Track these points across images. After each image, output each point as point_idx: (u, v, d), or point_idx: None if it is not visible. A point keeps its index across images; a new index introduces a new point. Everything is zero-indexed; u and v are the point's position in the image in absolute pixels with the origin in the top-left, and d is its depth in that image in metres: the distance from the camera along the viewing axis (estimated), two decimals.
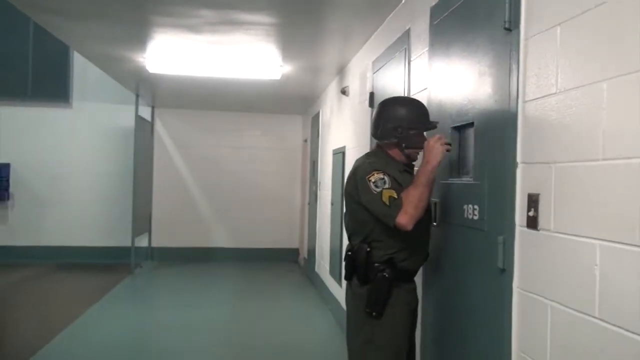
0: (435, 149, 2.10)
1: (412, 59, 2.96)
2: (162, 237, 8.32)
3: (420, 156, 2.25)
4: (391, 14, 3.44)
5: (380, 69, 3.62)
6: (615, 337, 1.29)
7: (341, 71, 5.22)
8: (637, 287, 1.22)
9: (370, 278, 2.18)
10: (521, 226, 1.74)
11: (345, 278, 2.33)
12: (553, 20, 1.59)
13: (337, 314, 5.07)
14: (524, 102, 1.74)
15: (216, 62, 4.88)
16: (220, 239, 8.47)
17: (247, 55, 4.71)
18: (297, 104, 7.83)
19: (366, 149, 3.95)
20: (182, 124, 8.46)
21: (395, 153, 2.25)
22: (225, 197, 8.49)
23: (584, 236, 1.41)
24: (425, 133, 2.26)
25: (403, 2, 3.20)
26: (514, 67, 1.79)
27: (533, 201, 1.67)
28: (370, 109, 3.84)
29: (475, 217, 2.04)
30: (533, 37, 1.70)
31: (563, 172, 1.52)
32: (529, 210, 1.69)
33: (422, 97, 2.68)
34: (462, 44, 2.22)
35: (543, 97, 1.63)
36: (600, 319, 1.34)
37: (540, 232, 1.63)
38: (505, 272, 1.80)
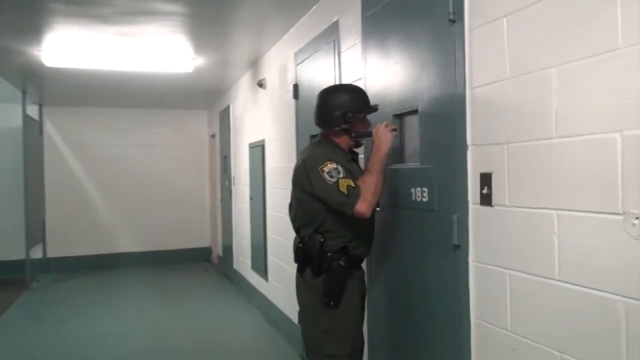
0: (384, 135, 2.17)
1: (342, 50, 3.03)
2: (58, 246, 7.68)
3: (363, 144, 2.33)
4: (314, 7, 3.48)
5: (304, 60, 3.65)
6: (576, 295, 1.45)
7: (255, 64, 5.17)
8: (595, 247, 1.39)
9: (324, 268, 2.20)
10: (474, 204, 1.87)
11: (298, 270, 2.33)
12: (498, 13, 1.73)
13: (264, 309, 5.06)
14: (472, 88, 1.87)
15: (126, 55, 4.59)
16: (127, 244, 8.00)
17: (159, 48, 4.49)
18: (203, 99, 7.61)
19: (291, 141, 3.98)
20: (78, 123, 7.83)
21: (342, 141, 2.29)
22: (130, 198, 8.03)
23: (542, 207, 1.56)
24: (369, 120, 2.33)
25: None
26: (459, 56, 1.91)
27: (486, 180, 1.81)
28: (294, 100, 3.87)
29: (425, 199, 2.15)
30: (478, 28, 1.83)
31: (517, 152, 1.66)
32: (482, 189, 1.82)
33: None
34: (401, 35, 2.32)
35: (492, 83, 1.77)
36: (561, 281, 1.50)
37: (495, 207, 1.77)
38: (460, 248, 1.93)
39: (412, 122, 2.33)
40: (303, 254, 2.27)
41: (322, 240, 2.21)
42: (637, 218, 1.26)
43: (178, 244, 8.28)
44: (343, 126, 2.24)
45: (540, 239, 1.57)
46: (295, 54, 3.85)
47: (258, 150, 5.08)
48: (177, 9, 3.54)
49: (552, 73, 1.51)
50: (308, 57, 3.57)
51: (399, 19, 2.34)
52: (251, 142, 5.46)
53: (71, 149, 7.83)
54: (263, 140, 4.93)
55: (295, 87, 3.84)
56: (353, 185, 2.10)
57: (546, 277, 1.55)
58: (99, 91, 6.48)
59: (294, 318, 4.07)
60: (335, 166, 2.13)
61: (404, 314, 2.35)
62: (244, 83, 5.76)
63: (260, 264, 5.16)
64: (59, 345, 4.42)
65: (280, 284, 4.52)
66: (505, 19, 1.70)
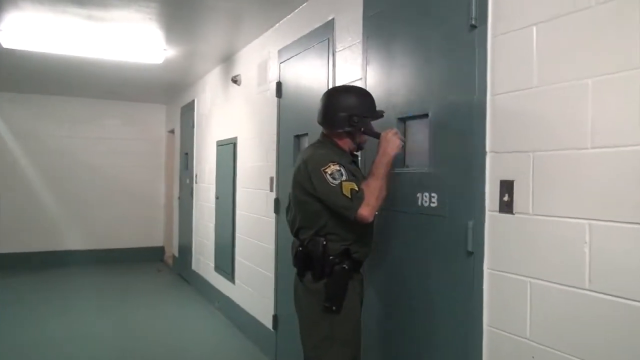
0: (393, 140, 2.13)
1: (337, 49, 2.97)
2: (2, 242, 7.16)
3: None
4: (304, 4, 3.40)
5: (290, 58, 3.56)
6: (608, 305, 1.46)
7: (229, 59, 5.01)
8: (631, 258, 1.40)
9: (325, 272, 2.14)
10: (492, 211, 1.87)
11: (298, 274, 2.25)
12: (526, 21, 1.73)
13: (228, 312, 4.91)
14: (494, 95, 1.86)
15: (94, 41, 4.32)
16: (74, 241, 7.57)
17: (130, 36, 4.25)
18: (163, 92, 7.32)
19: (270, 140, 3.88)
20: (25, 111, 7.34)
21: (344, 143, 2.23)
22: (79, 193, 7.60)
23: (572, 217, 1.56)
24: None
25: None
26: (480, 62, 1.90)
27: (507, 187, 1.80)
28: (277, 99, 3.77)
29: (434, 205, 2.13)
30: (503, 35, 1.83)
31: (544, 160, 1.67)
32: (502, 196, 1.82)
33: None
34: (411, 38, 2.29)
35: (516, 90, 1.77)
36: (592, 290, 1.51)
37: (517, 215, 1.76)
38: (473, 255, 1.92)
39: (417, 127, 2.30)
40: (304, 258, 2.19)
41: (324, 243, 2.14)
42: None
43: (129, 242, 7.94)
44: (347, 129, 2.18)
45: (568, 249, 1.58)
46: (280, 51, 3.76)
47: (228, 148, 4.93)
48: None
49: (588, 84, 1.53)
50: (295, 55, 3.49)
51: (410, 21, 2.31)
52: (220, 139, 5.29)
53: (17, 138, 7.31)
54: (235, 138, 4.78)
55: (279, 85, 3.74)
56: (357, 189, 2.05)
57: (575, 287, 1.56)
58: (54, 78, 6.07)
59: (265, 321, 3.98)
60: (338, 168, 2.07)
61: (403, 317, 2.31)
62: (213, 78, 5.58)
63: (226, 266, 5.00)
64: (6, 354, 4.07)
65: (249, 286, 4.39)
66: (534, 28, 1.70)
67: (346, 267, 2.13)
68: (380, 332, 2.47)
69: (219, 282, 5.28)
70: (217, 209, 5.34)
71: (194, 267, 6.31)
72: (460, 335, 1.99)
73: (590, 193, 1.52)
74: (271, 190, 3.91)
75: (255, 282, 4.26)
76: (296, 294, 2.29)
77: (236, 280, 4.74)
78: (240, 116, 4.68)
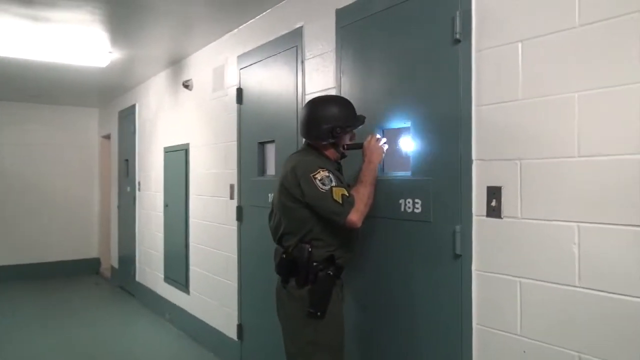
0: (376, 148, 2.20)
1: (306, 57, 2.99)
2: None
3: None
4: (269, 10, 3.39)
5: (252, 64, 3.53)
6: (598, 300, 1.60)
7: (178, 62, 4.87)
8: (619, 256, 1.55)
9: (310, 278, 2.16)
10: (479, 215, 1.97)
11: (282, 281, 2.24)
12: (513, 37, 1.85)
13: (182, 324, 4.76)
14: (478, 106, 1.97)
15: (35, 43, 4.04)
16: (2, 256, 7.00)
17: (74, 37, 4.02)
18: (96, 96, 6.97)
19: (230, 146, 3.83)
20: None
21: (330, 153, 2.27)
22: (4, 204, 7.04)
23: (562, 220, 1.69)
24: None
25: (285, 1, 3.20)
26: (464, 74, 2.01)
27: (494, 193, 1.92)
28: (237, 105, 3.73)
29: (417, 210, 2.22)
30: (488, 50, 1.94)
31: (531, 167, 1.79)
32: (489, 202, 1.93)
33: None
34: (392, 50, 2.36)
35: (502, 102, 1.88)
36: (582, 287, 1.64)
37: (505, 219, 1.88)
38: (461, 257, 2.02)
39: (397, 135, 2.38)
40: (288, 265, 2.20)
41: (309, 249, 2.16)
42: None
43: (60, 255, 7.48)
44: (330, 141, 2.21)
45: (559, 249, 1.70)
46: (240, 57, 3.72)
47: (179, 154, 4.79)
48: None
49: (575, 98, 1.66)
50: (258, 62, 3.47)
51: (389, 32, 2.38)
52: (168, 145, 5.13)
53: None
54: (187, 145, 4.66)
55: (239, 91, 3.70)
56: (347, 194, 2.09)
57: (566, 284, 1.69)
58: None
59: (227, 331, 3.92)
60: (327, 174, 2.11)
61: (387, 319, 2.38)
62: (159, 82, 5.39)
63: (178, 276, 4.85)
64: None
65: (208, 297, 4.30)
66: (520, 44, 1.83)
67: (331, 273, 2.17)
68: (366, 335, 2.52)
69: (169, 293, 5.10)
70: (167, 217, 5.17)
71: (138, 278, 6.06)
72: (449, 334, 2.08)
73: (579, 197, 1.65)
74: (231, 197, 3.86)
75: (215, 291, 4.17)
76: (279, 301, 2.29)
77: (191, 291, 4.61)
78: (192, 122, 4.56)
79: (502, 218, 1.89)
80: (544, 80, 1.75)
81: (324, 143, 2.24)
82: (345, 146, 2.27)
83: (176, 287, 4.93)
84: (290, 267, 2.19)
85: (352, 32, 2.62)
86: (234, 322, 3.80)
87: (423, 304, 2.20)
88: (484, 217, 1.95)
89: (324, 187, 2.09)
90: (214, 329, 4.15)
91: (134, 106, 6.17)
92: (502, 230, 1.89)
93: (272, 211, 2.36)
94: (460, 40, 2.02)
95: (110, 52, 4.49)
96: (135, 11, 3.48)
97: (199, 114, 4.44)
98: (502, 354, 1.90)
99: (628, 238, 1.53)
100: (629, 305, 1.53)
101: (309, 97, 2.96)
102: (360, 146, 2.26)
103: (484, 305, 1.97)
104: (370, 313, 2.49)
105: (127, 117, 6.40)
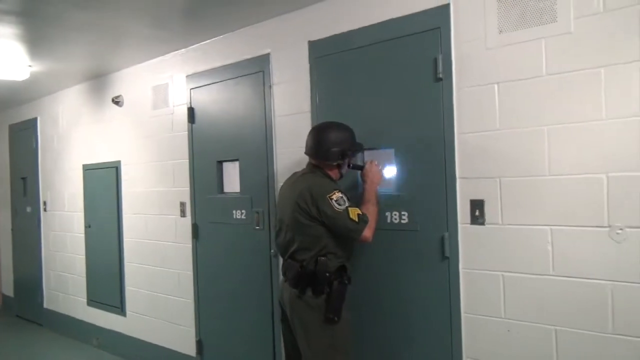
0: (376, 172, 2.54)
1: (274, 82, 3.21)
2: None
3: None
4: (225, 35, 3.52)
5: (208, 85, 3.63)
6: (569, 284, 2.11)
7: (101, 77, 4.69)
8: (585, 250, 2.06)
9: (325, 288, 2.41)
10: (464, 224, 2.40)
11: (301, 292, 2.45)
12: (489, 80, 2.30)
13: (114, 347, 4.60)
14: (461, 134, 2.40)
15: None
16: None
17: None
18: None
19: (180, 164, 3.88)
20: None
21: (333, 173, 2.54)
22: None
23: (537, 224, 2.18)
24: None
25: (250, 26, 3.37)
26: (446, 107, 2.42)
27: (477, 205, 2.36)
28: (189, 124, 3.78)
29: (404, 221, 2.59)
30: (468, 88, 2.37)
31: (511, 183, 2.26)
32: (473, 212, 2.37)
33: (301, 119, 3.03)
34: (373, 82, 2.70)
35: (482, 131, 2.33)
36: (556, 275, 2.14)
37: (487, 226, 2.33)
38: (449, 259, 2.44)
39: (377, 156, 2.70)
40: (305, 276, 2.42)
41: (326, 262, 2.41)
42: (620, 229, 1.98)
43: None
44: (339, 162, 2.50)
45: (535, 247, 2.19)
46: (190, 77, 3.78)
47: (107, 172, 4.62)
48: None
49: (544, 130, 2.16)
50: (215, 83, 3.58)
51: (371, 67, 2.71)
52: (89, 163, 4.90)
53: None
54: (118, 162, 4.52)
55: (191, 110, 3.77)
56: (362, 214, 2.39)
57: (541, 274, 2.18)
58: None
59: (182, 348, 3.94)
60: (341, 195, 2.39)
61: (384, 319, 2.71)
62: (73, 95, 5.11)
63: (109, 298, 4.67)
64: None
65: (150, 315, 4.24)
66: (496, 85, 2.29)
67: (346, 282, 2.44)
68: (365, 331, 2.81)
69: (96, 316, 4.87)
70: (90, 238, 4.92)
71: (47, 305, 5.63)
72: (441, 323, 2.48)
73: (551, 206, 2.15)
74: (183, 215, 3.89)
75: (162, 310, 4.13)
76: (294, 311, 2.47)
77: (128, 312, 4.49)
78: (125, 139, 4.45)
79: (485, 225, 2.34)
80: (519, 115, 2.23)
81: (333, 164, 2.51)
82: (351, 165, 2.55)
83: (106, 309, 4.73)
84: (307, 279, 2.41)
85: (329, 63, 2.91)
86: (191, 338, 3.84)
87: (415, 300, 2.58)
88: (469, 225, 2.39)
89: (339, 207, 2.35)
90: (162, 347, 4.12)
91: (34, 120, 5.71)
92: (485, 235, 2.34)
93: (279, 229, 2.56)
94: (442, 79, 2.44)
95: (29, 66, 4.20)
96: (52, 24, 3.28)
97: (135, 131, 4.35)
98: (489, 334, 2.35)
99: (591, 236, 2.05)
100: (592, 285, 2.06)
101: (280, 120, 3.19)
102: (362, 167, 2.57)
103: (471, 296, 2.40)
104: (366, 312, 2.77)
105: (23, 131, 5.90)
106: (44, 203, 5.64)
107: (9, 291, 6.39)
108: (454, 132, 2.42)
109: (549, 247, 2.16)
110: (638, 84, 1.94)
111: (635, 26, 1.94)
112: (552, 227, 2.15)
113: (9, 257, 6.38)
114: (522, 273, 2.24)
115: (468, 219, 2.39)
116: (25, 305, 6.01)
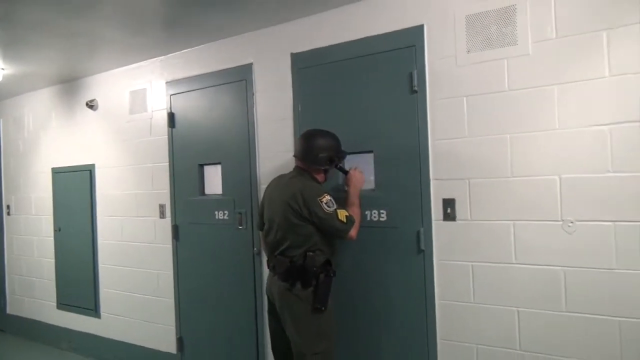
0: (359, 177, 2.80)
1: (257, 90, 3.41)
2: None
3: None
4: (207, 44, 3.68)
5: (189, 91, 3.78)
6: (528, 270, 2.45)
7: (72, 81, 4.72)
8: (542, 241, 2.41)
9: (312, 281, 2.65)
10: (437, 220, 2.71)
11: (290, 285, 2.67)
12: (459, 93, 2.62)
13: (87, 349, 4.64)
14: (434, 140, 2.70)
15: None
16: None
17: None
18: None
19: (157, 167, 3.99)
20: None
21: (319, 177, 2.78)
22: None
23: (502, 220, 2.51)
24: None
25: (234, 37, 3.55)
26: (421, 117, 2.72)
27: (449, 203, 2.67)
28: (169, 128, 3.92)
29: (383, 219, 2.87)
30: (440, 100, 2.68)
31: (478, 184, 2.58)
32: (445, 210, 2.68)
33: (284, 126, 3.25)
34: (352, 92, 2.96)
35: (453, 138, 2.64)
36: (517, 263, 2.48)
37: (458, 222, 2.64)
38: (425, 252, 2.73)
39: (358, 160, 2.97)
40: (295, 271, 2.64)
41: (314, 258, 2.64)
42: (571, 222, 2.33)
43: None
44: (327, 167, 2.74)
45: (500, 239, 2.52)
46: (169, 83, 3.91)
47: (80, 175, 4.66)
48: None
49: (507, 138, 2.49)
50: (196, 90, 3.74)
51: (350, 78, 2.97)
52: (58, 166, 4.90)
53: None
54: (92, 165, 4.57)
55: (171, 115, 3.90)
56: (349, 215, 2.64)
57: (505, 263, 2.51)
58: None
59: (162, 346, 4.06)
60: (330, 198, 2.63)
61: (364, 307, 2.97)
62: (42, 98, 5.08)
63: (83, 301, 4.70)
64: None
65: (128, 316, 4.32)
66: (465, 98, 2.61)
67: (332, 275, 2.68)
68: (350, 321, 3.03)
69: (67, 320, 4.87)
70: (60, 241, 4.92)
71: (10, 310, 5.54)
72: (417, 310, 2.77)
73: (513, 204, 2.48)
74: (162, 217, 4.01)
75: (140, 310, 4.22)
76: (284, 303, 2.68)
77: (103, 314, 4.54)
78: (100, 143, 4.51)
79: (456, 221, 2.65)
80: (485, 124, 2.56)
81: (321, 168, 2.74)
82: (339, 167, 2.80)
83: (78, 312, 4.75)
84: (297, 273, 2.63)
85: (311, 74, 3.14)
86: (172, 336, 3.97)
87: (394, 290, 2.85)
88: (442, 221, 2.69)
89: (329, 209, 2.59)
90: (140, 346, 4.21)
91: None
92: (456, 230, 2.65)
93: (269, 228, 2.76)
94: (417, 91, 2.73)
95: (2, 69, 4.19)
96: (26, 28, 3.29)
97: (110, 135, 4.41)
98: (460, 316, 2.66)
99: (547, 229, 2.40)
100: (549, 270, 2.40)
101: (263, 125, 3.40)
102: (347, 172, 2.82)
103: (444, 285, 2.71)
104: (349, 302, 3.01)
105: None
106: (7, 207, 5.56)
107: None
108: (428, 139, 2.72)
109: (512, 239, 2.49)
110: (585, 99, 2.30)
111: (582, 50, 2.30)
112: (514, 221, 2.49)
113: None
114: (488, 262, 2.57)
115: (441, 215, 2.70)
116: None
